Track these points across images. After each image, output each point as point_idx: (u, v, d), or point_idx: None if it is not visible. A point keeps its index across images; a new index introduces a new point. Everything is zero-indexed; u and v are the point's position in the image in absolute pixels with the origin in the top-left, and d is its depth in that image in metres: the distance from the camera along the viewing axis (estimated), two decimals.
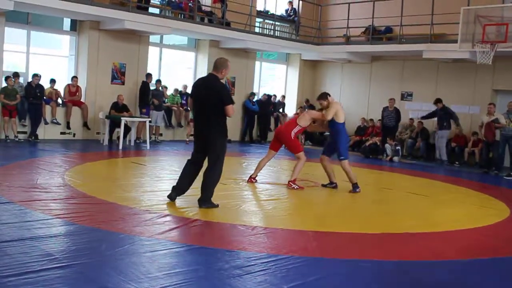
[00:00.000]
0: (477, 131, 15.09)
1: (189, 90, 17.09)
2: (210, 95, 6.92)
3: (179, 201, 7.43)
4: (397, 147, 15.26)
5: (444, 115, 14.67)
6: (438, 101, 14.76)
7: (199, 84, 7.25)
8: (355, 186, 9.40)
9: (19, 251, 4.79)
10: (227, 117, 7.04)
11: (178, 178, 7.35)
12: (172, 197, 7.25)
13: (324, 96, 9.46)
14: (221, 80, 7.17)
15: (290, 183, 9.25)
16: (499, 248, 6.38)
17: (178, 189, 7.28)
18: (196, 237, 5.77)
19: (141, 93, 14.80)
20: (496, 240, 6.77)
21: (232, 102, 7.01)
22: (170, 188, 7.44)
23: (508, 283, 5.06)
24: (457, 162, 15.07)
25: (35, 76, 13.28)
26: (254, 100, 17.93)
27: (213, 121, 6.96)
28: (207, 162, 7.16)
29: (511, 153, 13.35)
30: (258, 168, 9.60)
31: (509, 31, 12.90)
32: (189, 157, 7.37)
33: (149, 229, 5.93)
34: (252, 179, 9.45)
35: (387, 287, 4.66)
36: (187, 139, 15.57)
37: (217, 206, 7.15)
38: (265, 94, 18.46)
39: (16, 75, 13.25)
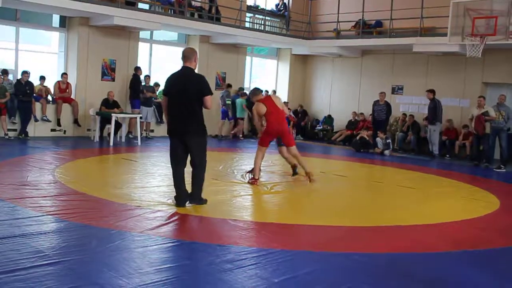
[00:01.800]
0: (467, 124, 15.16)
1: None
2: (190, 88, 6.68)
3: (170, 196, 7.42)
4: (387, 141, 15.30)
5: (434, 108, 14.78)
6: (431, 91, 14.80)
7: (176, 79, 6.88)
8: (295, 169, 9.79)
9: (9, 248, 4.78)
10: (206, 109, 6.85)
11: (175, 185, 6.97)
12: (182, 205, 6.90)
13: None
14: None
15: (309, 175, 9.29)
16: (490, 240, 6.43)
17: (184, 195, 6.96)
18: (187, 232, 5.77)
19: (132, 86, 14.76)
20: (487, 232, 6.81)
21: (211, 93, 6.84)
22: (160, 184, 7.43)
23: (499, 275, 5.10)
24: (448, 155, 15.14)
25: (25, 73, 13.19)
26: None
27: (193, 117, 6.74)
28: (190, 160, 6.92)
29: (501, 145, 13.42)
30: (257, 168, 9.04)
31: (498, 24, 12.95)
32: (173, 159, 6.98)
33: (140, 224, 5.93)
34: (255, 181, 8.97)
35: (378, 280, 4.69)
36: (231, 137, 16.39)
37: (206, 202, 7.06)
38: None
39: (5, 72, 13.16)
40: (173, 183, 6.99)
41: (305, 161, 9.57)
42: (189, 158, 6.95)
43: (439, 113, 14.72)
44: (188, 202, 6.91)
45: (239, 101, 16.96)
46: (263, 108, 8.96)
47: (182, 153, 6.89)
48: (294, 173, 9.91)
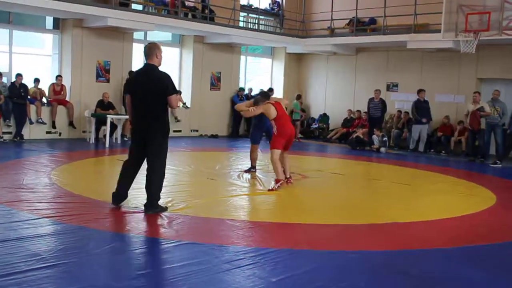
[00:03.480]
0: (463, 120, 15.19)
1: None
2: (153, 86, 6.34)
3: (166, 197, 7.41)
4: (384, 138, 15.32)
5: (427, 107, 14.85)
6: (421, 91, 14.90)
7: (139, 77, 6.56)
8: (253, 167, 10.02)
9: (5, 252, 4.77)
10: (172, 109, 6.50)
11: (118, 183, 6.71)
12: (116, 204, 6.69)
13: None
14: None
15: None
16: (486, 235, 6.44)
17: (122, 196, 6.73)
18: (184, 233, 5.76)
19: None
20: (483, 228, 6.83)
21: (176, 92, 6.53)
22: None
23: (495, 270, 5.11)
24: (443, 151, 15.17)
25: (19, 75, 13.15)
26: (244, 95, 17.87)
27: (155, 117, 6.41)
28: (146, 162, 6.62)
29: (497, 141, 13.46)
30: (280, 172, 8.75)
31: (491, 19, 12.97)
32: (129, 159, 6.73)
33: (137, 226, 5.92)
34: (289, 180, 8.95)
35: (375, 277, 4.69)
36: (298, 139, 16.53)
37: (166, 209, 6.63)
38: (250, 89, 18.43)
39: None
40: (116, 182, 6.71)
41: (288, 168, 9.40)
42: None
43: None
44: (144, 210, 6.50)
45: (294, 103, 17.51)
46: (273, 112, 8.89)
47: (139, 154, 6.60)
48: (249, 170, 10.03)
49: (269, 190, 8.49)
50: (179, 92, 16.89)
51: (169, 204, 6.94)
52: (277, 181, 8.62)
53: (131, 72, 14.71)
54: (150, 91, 6.35)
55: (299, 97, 18.01)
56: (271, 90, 9.23)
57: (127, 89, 6.63)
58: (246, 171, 10.01)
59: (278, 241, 5.65)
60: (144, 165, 6.66)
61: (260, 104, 8.98)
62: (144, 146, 6.48)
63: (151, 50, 6.46)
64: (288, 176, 9.19)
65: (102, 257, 4.84)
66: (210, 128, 17.38)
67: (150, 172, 6.52)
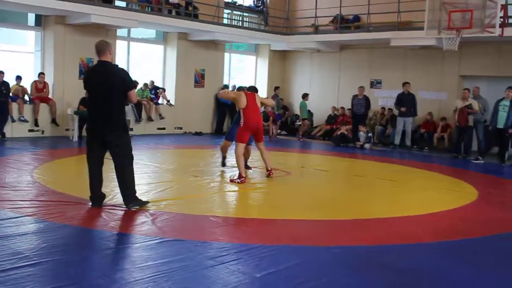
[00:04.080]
0: (445, 116, 15.34)
1: (158, 85, 17.03)
2: (111, 82, 6.33)
3: (150, 194, 7.40)
4: (369, 134, 15.41)
5: (411, 100, 14.94)
6: (406, 84, 15.01)
7: (96, 74, 6.54)
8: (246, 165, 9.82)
9: None
10: (131, 103, 6.64)
11: (90, 186, 6.61)
12: (98, 205, 6.60)
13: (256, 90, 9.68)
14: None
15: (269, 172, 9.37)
16: (469, 230, 6.51)
17: (99, 197, 6.66)
18: (167, 230, 5.75)
19: None
20: (466, 222, 6.91)
21: (135, 87, 6.56)
22: (140, 182, 7.39)
23: (478, 264, 5.17)
24: (426, 148, 15.29)
25: (0, 73, 12.99)
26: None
27: (115, 113, 6.40)
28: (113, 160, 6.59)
29: (478, 137, 13.60)
30: (242, 167, 8.88)
31: (474, 17, 13.05)
32: (89, 158, 6.62)
33: (120, 223, 5.91)
34: (244, 179, 8.79)
35: (359, 272, 4.72)
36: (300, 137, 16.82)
37: (147, 202, 6.70)
38: (234, 86, 18.39)
39: None
40: (89, 181, 6.63)
41: (269, 158, 9.53)
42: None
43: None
44: (128, 206, 6.50)
45: (302, 103, 17.25)
46: (243, 100, 8.98)
47: (99, 151, 6.57)
48: (223, 163, 10.18)
49: (230, 180, 8.82)
50: (164, 90, 16.87)
51: (151, 201, 6.93)
52: (239, 176, 8.78)
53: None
54: (110, 86, 6.34)
55: (305, 96, 17.45)
56: (254, 88, 9.30)
57: (84, 86, 6.63)
58: (223, 164, 10.14)
59: (261, 237, 5.66)
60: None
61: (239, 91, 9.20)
62: (103, 143, 6.47)
63: (104, 46, 6.45)
64: (269, 168, 9.34)
65: (85, 254, 4.81)
66: (194, 125, 17.35)
67: (120, 171, 6.53)
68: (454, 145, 14.35)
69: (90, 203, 6.61)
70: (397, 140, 15.18)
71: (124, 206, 6.56)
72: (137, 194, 6.69)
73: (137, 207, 6.54)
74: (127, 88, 6.43)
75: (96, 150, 6.56)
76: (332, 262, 4.94)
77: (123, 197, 6.57)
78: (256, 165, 10.33)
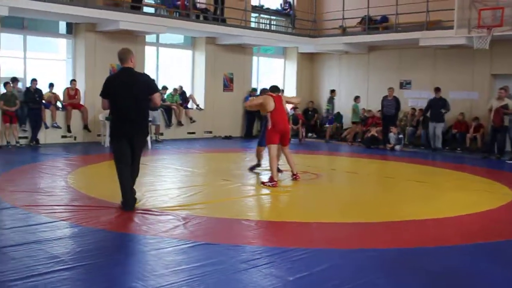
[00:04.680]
0: (477, 116, 15.09)
1: (185, 90, 17.14)
2: (138, 88, 6.60)
3: (180, 198, 7.46)
4: (399, 136, 15.26)
5: (442, 105, 14.71)
6: (437, 89, 14.80)
7: (121, 80, 6.71)
8: (257, 166, 10.07)
9: (24, 254, 4.82)
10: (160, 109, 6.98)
11: (124, 190, 6.74)
12: (131, 209, 6.71)
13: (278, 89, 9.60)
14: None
15: (296, 176, 9.34)
16: (504, 231, 6.39)
17: (131, 201, 6.79)
18: (200, 234, 5.78)
19: None
20: (500, 224, 6.78)
21: (159, 90, 6.89)
22: (171, 187, 7.44)
23: None
24: (459, 148, 15.05)
25: (33, 80, 13.26)
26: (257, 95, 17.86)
27: (142, 117, 6.74)
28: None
29: (510, 137, 13.37)
30: (274, 170, 8.89)
31: (505, 15, 12.87)
32: (121, 162, 6.73)
33: (153, 227, 5.95)
34: (276, 184, 8.74)
35: (393, 275, 4.67)
36: (350, 142, 16.66)
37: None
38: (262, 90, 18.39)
39: (14, 80, 13.25)
40: (121, 186, 6.73)
41: (294, 163, 9.49)
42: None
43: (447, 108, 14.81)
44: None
45: (355, 105, 17.00)
46: (271, 104, 8.98)
47: (129, 154, 6.72)
48: (253, 168, 10.07)
49: (262, 183, 8.86)
50: (191, 95, 16.98)
51: (185, 205, 7.00)
52: (271, 179, 8.75)
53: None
54: (136, 92, 6.59)
55: (357, 98, 17.09)
56: (277, 88, 9.33)
57: (106, 92, 6.74)
58: (251, 169, 10.09)
59: (294, 240, 5.64)
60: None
61: (262, 94, 9.14)
62: (131, 145, 6.69)
63: (126, 55, 6.72)
64: (295, 172, 9.33)
65: (119, 258, 4.87)
66: (224, 129, 17.42)
67: (134, 167, 6.82)
68: (487, 145, 14.09)
69: (123, 207, 6.70)
70: (432, 144, 14.88)
71: (157, 210, 6.66)
72: (169, 198, 6.83)
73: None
74: (152, 92, 6.72)
75: (127, 154, 6.70)
76: (365, 265, 4.90)
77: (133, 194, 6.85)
78: (288, 168, 10.32)
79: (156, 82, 15.67)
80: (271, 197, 8.17)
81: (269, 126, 9.03)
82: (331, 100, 17.49)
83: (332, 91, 17.73)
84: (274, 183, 8.69)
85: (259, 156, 10.09)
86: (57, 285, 4.12)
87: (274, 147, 8.95)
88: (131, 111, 6.60)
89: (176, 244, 5.32)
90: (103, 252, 5.08)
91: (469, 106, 15.78)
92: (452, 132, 15.48)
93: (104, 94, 6.76)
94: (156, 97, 6.78)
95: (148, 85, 6.75)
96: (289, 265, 4.78)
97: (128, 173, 6.74)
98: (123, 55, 6.73)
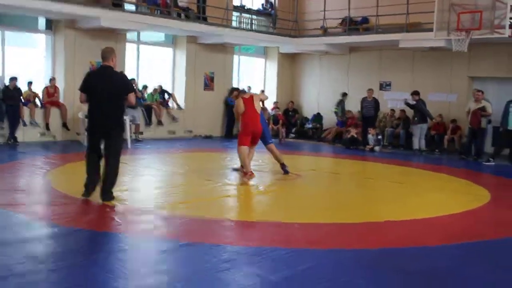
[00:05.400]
0: (455, 118, 15.28)
1: (166, 89, 17.08)
2: (114, 86, 6.90)
3: (161, 198, 7.45)
4: (378, 137, 15.38)
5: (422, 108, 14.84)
6: (415, 93, 14.91)
7: (99, 77, 7.05)
8: (283, 166, 9.89)
9: (3, 254, 4.77)
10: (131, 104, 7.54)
11: (86, 175, 7.13)
12: (87, 195, 7.10)
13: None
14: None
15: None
16: (482, 232, 6.49)
17: (90, 187, 7.13)
18: (182, 233, 5.77)
19: None
20: (478, 224, 6.89)
21: (134, 90, 7.14)
22: (152, 186, 7.41)
23: (490, 266, 5.15)
24: (437, 150, 15.22)
25: (13, 79, 13.06)
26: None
27: (116, 114, 6.98)
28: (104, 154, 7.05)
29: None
30: (247, 163, 9.19)
31: (483, 18, 13.02)
32: (91, 153, 7.13)
33: (134, 227, 5.93)
34: (252, 174, 9.13)
35: (373, 274, 4.72)
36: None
37: (113, 198, 7.04)
38: (249, 87, 18.36)
39: None
40: (86, 172, 7.11)
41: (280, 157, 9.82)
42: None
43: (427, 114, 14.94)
44: (101, 198, 6.95)
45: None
46: (241, 107, 9.23)
47: (99, 146, 7.08)
48: (285, 171, 9.93)
49: (233, 169, 9.46)
50: (170, 95, 16.90)
51: (166, 204, 6.99)
52: (244, 173, 9.09)
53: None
54: (112, 90, 6.89)
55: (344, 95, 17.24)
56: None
57: (84, 87, 7.08)
58: (235, 169, 10.07)
59: (275, 240, 5.66)
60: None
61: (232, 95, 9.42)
62: (104, 140, 6.99)
63: (109, 54, 7.03)
64: (238, 167, 9.69)
65: (100, 258, 4.83)
66: (204, 129, 17.37)
67: (108, 163, 6.99)
68: (465, 147, 14.26)
69: (83, 192, 7.05)
70: (418, 145, 14.95)
71: (137, 209, 6.65)
72: (149, 197, 6.82)
73: (109, 200, 6.93)
74: (127, 91, 7.03)
75: (97, 147, 7.06)
76: (346, 265, 4.94)
77: (102, 189, 6.97)
78: (266, 169, 10.35)
79: (136, 80, 15.63)
80: (253, 197, 8.20)
81: (240, 129, 9.38)
82: (340, 103, 17.39)
83: (344, 94, 17.68)
84: (250, 173, 9.07)
85: (277, 157, 9.97)
86: (37, 286, 4.09)
87: (245, 148, 9.19)
88: (107, 107, 6.89)
89: (157, 243, 5.31)
90: (84, 251, 5.04)
91: (447, 108, 15.97)
92: (431, 133, 15.65)
93: (82, 88, 7.05)
94: (131, 96, 7.10)
95: (124, 84, 7.07)
96: (272, 264, 4.80)
97: (93, 161, 7.05)
98: (106, 54, 7.02)
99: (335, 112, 17.61)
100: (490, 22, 12.96)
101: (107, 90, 6.86)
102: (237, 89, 9.85)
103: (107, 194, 6.98)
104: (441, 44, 14.60)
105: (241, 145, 9.20)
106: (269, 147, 9.86)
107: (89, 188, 7.07)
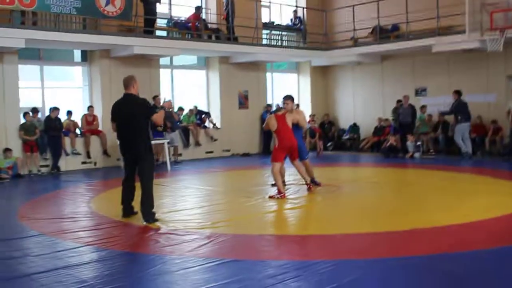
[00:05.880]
0: (495, 119, 14.97)
1: (202, 109, 17.27)
2: (135, 112, 7.23)
3: (203, 217, 7.50)
4: (417, 143, 15.17)
5: (462, 107, 14.52)
6: (456, 92, 14.65)
7: (121, 106, 7.42)
8: (313, 179, 9.89)
9: (53, 280, 4.87)
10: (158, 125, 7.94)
11: (123, 201, 7.64)
12: (126, 216, 7.58)
13: (292, 98, 9.77)
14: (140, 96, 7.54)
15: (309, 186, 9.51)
16: None
17: (129, 210, 7.64)
18: (225, 251, 5.79)
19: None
20: None
21: (156, 112, 7.36)
22: (193, 206, 7.51)
23: None
24: (479, 152, 14.91)
25: (55, 109, 13.44)
26: (272, 111, 17.88)
27: (140, 138, 7.24)
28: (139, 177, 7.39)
29: None
30: (279, 183, 9.13)
31: None
32: (125, 174, 7.61)
33: (178, 247, 5.97)
34: (283, 195, 8.95)
35: (420, 282, 4.64)
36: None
37: (156, 220, 7.26)
38: (277, 105, 18.39)
39: (35, 110, 13.44)
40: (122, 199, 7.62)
41: (306, 174, 9.61)
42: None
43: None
44: (143, 219, 7.21)
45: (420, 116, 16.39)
46: (274, 124, 9.29)
47: (130, 169, 7.48)
48: (315, 184, 9.91)
49: (269, 197, 9.01)
50: (208, 115, 17.03)
51: (208, 223, 7.04)
52: (278, 192, 9.00)
53: (154, 97, 14.71)
54: (134, 115, 7.23)
55: (422, 108, 16.40)
56: (289, 97, 9.71)
57: (112, 117, 7.61)
58: (273, 185, 10.03)
59: (320, 253, 5.63)
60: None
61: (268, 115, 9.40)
62: (135, 164, 7.35)
63: (128, 82, 7.41)
64: (308, 182, 9.56)
65: (147, 280, 4.89)
66: (241, 147, 17.47)
67: (143, 189, 7.28)
68: (507, 148, 13.94)
69: (122, 214, 7.55)
70: (463, 147, 14.55)
71: (181, 230, 6.72)
72: (192, 217, 7.06)
73: (151, 222, 7.16)
74: (149, 113, 7.29)
75: (127, 168, 7.53)
76: (393, 273, 4.87)
77: (142, 212, 7.29)
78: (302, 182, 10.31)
79: (172, 103, 15.80)
80: (294, 211, 8.16)
81: (276, 145, 9.38)
82: (396, 110, 17.07)
83: (399, 101, 17.35)
84: (282, 194, 8.92)
85: (309, 172, 9.90)
86: None
87: (278, 165, 9.18)
88: (130, 132, 7.28)
89: (202, 263, 5.34)
90: (130, 274, 5.11)
91: (486, 109, 15.66)
92: (471, 136, 15.35)
93: (111, 118, 7.54)
94: (156, 117, 7.32)
95: (143, 107, 7.30)
96: (317, 277, 4.76)
97: (126, 185, 7.52)
98: (126, 82, 7.43)
99: (393, 120, 17.12)
100: None
101: (128, 116, 7.24)
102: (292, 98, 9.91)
103: (148, 216, 7.20)
104: (475, 46, 14.39)
105: (274, 161, 9.21)
106: (305, 162, 9.84)
107: (124, 210, 7.57)
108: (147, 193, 7.25)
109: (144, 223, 7.12)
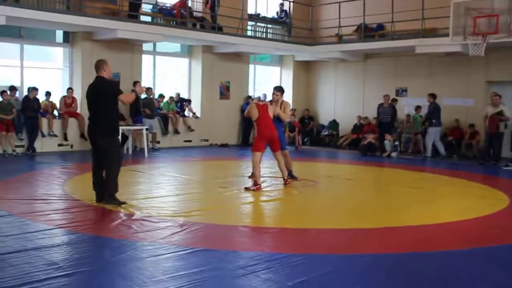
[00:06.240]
0: (473, 123, 15.16)
1: (183, 97, 17.20)
2: (101, 91, 7.33)
3: (178, 205, 7.48)
4: (395, 143, 15.29)
5: (434, 111, 14.68)
6: (431, 95, 14.82)
7: (91, 87, 7.54)
8: (291, 172, 9.96)
9: (23, 261, 4.82)
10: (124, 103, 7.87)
11: (93, 184, 7.63)
12: (99, 201, 7.50)
13: (282, 90, 10.01)
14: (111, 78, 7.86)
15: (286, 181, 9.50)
16: (500, 236, 6.41)
17: (99, 194, 7.57)
18: (198, 240, 5.79)
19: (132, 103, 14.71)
20: (497, 229, 6.80)
21: (121, 92, 7.49)
22: (169, 194, 7.49)
23: (509, 271, 5.09)
24: (455, 155, 15.09)
25: (33, 89, 13.24)
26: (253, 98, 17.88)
27: (103, 119, 7.35)
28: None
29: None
30: (258, 175, 9.10)
31: (500, 22, 12.95)
32: (93, 159, 7.67)
33: (151, 234, 5.95)
34: (259, 187, 8.96)
35: (389, 279, 4.69)
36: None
37: (123, 203, 7.35)
38: (258, 97, 18.40)
39: (12, 89, 13.25)
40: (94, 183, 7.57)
41: (285, 169, 9.59)
42: None
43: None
44: (102, 201, 7.37)
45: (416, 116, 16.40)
46: (255, 113, 9.23)
47: (95, 152, 7.53)
48: (292, 177, 9.94)
49: (245, 188, 8.94)
50: (189, 102, 16.97)
51: (182, 211, 7.02)
52: (254, 183, 9.00)
53: (135, 82, 14.59)
54: (99, 97, 7.34)
55: (417, 108, 16.42)
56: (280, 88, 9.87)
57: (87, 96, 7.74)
58: (250, 177, 10.05)
59: (292, 246, 5.65)
60: None
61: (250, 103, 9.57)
62: (96, 145, 7.48)
63: (99, 65, 7.48)
64: (285, 178, 9.54)
65: (118, 265, 4.87)
66: (220, 137, 17.44)
67: (107, 170, 7.40)
68: (483, 152, 14.12)
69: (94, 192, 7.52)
70: (440, 150, 14.81)
71: (154, 217, 6.70)
72: (166, 205, 6.85)
73: (111, 205, 7.23)
74: (111, 94, 7.36)
75: (93, 151, 7.59)
76: (364, 270, 4.92)
77: (104, 193, 7.38)
78: (279, 175, 10.33)
79: (153, 90, 15.72)
80: (268, 204, 8.18)
81: (255, 133, 9.38)
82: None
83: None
84: (257, 186, 8.92)
85: (287, 164, 9.88)
86: None
87: (258, 155, 9.16)
88: (94, 114, 7.42)
89: (174, 251, 5.33)
90: (101, 258, 5.08)
91: (464, 113, 15.85)
92: (448, 138, 15.53)
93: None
94: (122, 97, 7.43)
95: (110, 86, 7.47)
96: (288, 270, 4.78)
97: (94, 168, 7.54)
98: (97, 65, 7.50)
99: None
100: (507, 25, 12.90)
101: (94, 99, 7.40)
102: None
103: (108, 199, 7.31)
104: (457, 49, 14.52)
105: (255, 150, 9.21)
106: (285, 152, 9.86)
107: (97, 194, 7.48)
108: (110, 175, 7.33)
109: (103, 204, 7.27)
